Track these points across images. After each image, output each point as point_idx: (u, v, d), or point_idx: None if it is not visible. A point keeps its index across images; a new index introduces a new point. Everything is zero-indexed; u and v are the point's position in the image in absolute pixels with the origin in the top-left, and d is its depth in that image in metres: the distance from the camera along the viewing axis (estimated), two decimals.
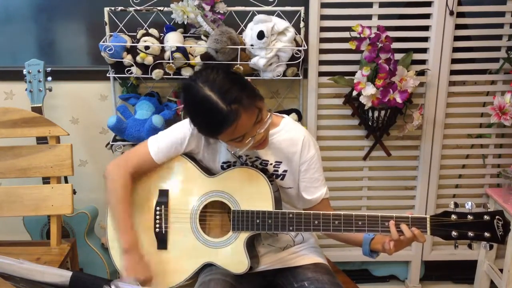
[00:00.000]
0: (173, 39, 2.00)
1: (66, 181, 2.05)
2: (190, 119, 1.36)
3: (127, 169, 1.45)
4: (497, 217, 1.25)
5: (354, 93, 2.06)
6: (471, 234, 1.26)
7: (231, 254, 1.41)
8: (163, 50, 2.00)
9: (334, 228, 1.35)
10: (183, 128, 1.45)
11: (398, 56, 2.08)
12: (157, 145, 1.46)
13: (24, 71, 2.03)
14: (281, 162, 1.46)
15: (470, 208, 1.27)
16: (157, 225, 1.47)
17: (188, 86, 1.30)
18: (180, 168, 1.48)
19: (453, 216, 1.27)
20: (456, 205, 1.28)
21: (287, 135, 1.46)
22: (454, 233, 1.26)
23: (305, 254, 1.56)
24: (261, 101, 1.32)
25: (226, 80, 1.27)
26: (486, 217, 1.25)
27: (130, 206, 1.44)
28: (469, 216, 1.26)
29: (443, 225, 1.28)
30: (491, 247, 1.27)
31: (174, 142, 1.45)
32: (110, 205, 1.45)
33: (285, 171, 1.47)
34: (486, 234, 1.25)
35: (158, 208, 1.47)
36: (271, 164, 1.46)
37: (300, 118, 2.18)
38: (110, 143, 2.11)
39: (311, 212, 1.37)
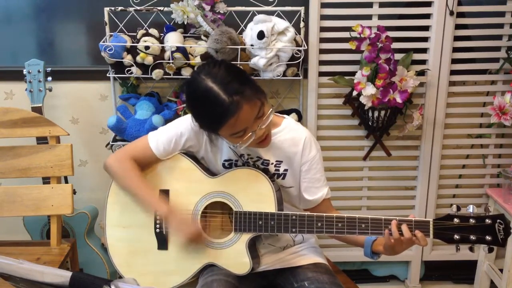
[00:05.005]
0: (173, 39, 2.00)
1: (66, 181, 2.05)
2: (192, 114, 1.36)
3: (127, 156, 1.47)
4: (498, 220, 1.25)
5: (354, 93, 2.06)
6: (473, 238, 1.26)
7: (233, 255, 1.41)
8: (163, 50, 2.00)
9: (337, 231, 1.34)
10: (183, 123, 1.46)
11: (398, 56, 2.08)
12: (157, 138, 1.47)
13: (24, 71, 2.03)
14: (281, 162, 1.46)
15: (471, 212, 1.27)
16: (158, 226, 1.46)
17: (191, 79, 1.32)
18: (181, 168, 1.47)
19: (456, 220, 1.27)
20: (458, 208, 1.28)
21: (289, 135, 1.46)
22: (456, 237, 1.27)
23: (305, 254, 1.55)
24: (263, 95, 1.32)
25: (228, 72, 1.28)
26: (487, 221, 1.26)
27: (145, 180, 1.46)
28: (471, 220, 1.26)
29: (445, 229, 1.28)
30: (491, 250, 1.28)
31: (174, 136, 1.45)
32: (126, 186, 1.46)
33: (286, 170, 1.47)
34: (488, 238, 1.26)
35: None
36: (272, 163, 1.46)
37: (300, 118, 2.18)
38: (110, 143, 2.11)
39: (314, 214, 1.37)
